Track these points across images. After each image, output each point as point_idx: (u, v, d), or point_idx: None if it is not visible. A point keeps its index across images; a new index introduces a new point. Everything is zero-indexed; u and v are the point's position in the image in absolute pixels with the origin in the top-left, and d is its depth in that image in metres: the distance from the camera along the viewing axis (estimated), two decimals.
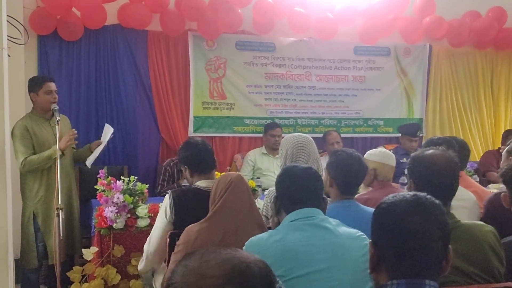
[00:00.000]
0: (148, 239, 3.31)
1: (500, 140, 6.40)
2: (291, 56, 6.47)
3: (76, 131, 4.38)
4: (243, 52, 6.31)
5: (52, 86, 4.43)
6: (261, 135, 6.20)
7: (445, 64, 7.06)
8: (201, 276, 1.10)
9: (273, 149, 5.91)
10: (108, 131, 4.67)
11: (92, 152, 4.66)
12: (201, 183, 3.26)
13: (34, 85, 4.40)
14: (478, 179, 5.20)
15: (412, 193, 1.59)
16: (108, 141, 4.78)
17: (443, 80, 7.07)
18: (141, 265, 3.39)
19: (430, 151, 2.39)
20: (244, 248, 2.29)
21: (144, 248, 3.33)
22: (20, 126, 4.25)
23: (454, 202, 2.35)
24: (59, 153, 4.02)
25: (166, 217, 3.17)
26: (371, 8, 6.22)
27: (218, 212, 2.84)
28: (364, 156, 3.39)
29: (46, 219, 4.33)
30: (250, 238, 2.34)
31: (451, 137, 3.87)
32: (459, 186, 2.35)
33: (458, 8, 6.78)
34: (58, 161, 3.87)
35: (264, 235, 2.35)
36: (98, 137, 4.91)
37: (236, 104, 6.33)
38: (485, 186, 4.75)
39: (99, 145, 4.66)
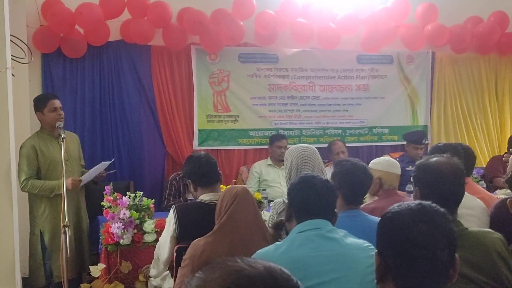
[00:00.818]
0: (157, 246, 3.36)
1: (506, 146, 6.36)
2: (294, 67, 6.48)
3: (80, 182, 4.41)
4: (246, 64, 6.32)
5: (57, 103, 4.45)
6: (266, 146, 6.19)
7: (449, 70, 7.05)
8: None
9: (279, 161, 5.90)
10: (101, 167, 4.65)
11: (93, 181, 4.70)
12: (204, 197, 3.27)
13: (39, 104, 4.43)
14: (485, 185, 5.18)
15: (417, 202, 1.58)
16: (114, 166, 4.76)
17: (447, 87, 7.05)
18: (153, 272, 3.45)
19: (435, 159, 2.38)
20: None
21: (154, 252, 3.39)
22: (28, 146, 4.29)
23: (462, 211, 2.34)
24: (60, 191, 4.05)
25: (171, 231, 3.19)
26: (373, 17, 6.23)
27: (224, 226, 2.83)
28: (369, 165, 3.37)
29: (53, 237, 4.34)
30: (257, 251, 2.34)
31: (456, 144, 3.84)
32: (467, 194, 2.34)
33: (460, 14, 6.77)
34: (64, 179, 3.87)
35: (271, 247, 2.35)
36: (103, 155, 4.93)
37: (241, 117, 6.33)
38: (492, 192, 4.72)
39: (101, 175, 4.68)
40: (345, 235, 2.34)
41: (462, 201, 2.39)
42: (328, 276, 2.19)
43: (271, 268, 1.07)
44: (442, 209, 1.56)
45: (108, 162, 4.69)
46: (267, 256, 2.26)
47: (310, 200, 2.36)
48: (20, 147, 4.27)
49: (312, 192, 2.38)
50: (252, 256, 2.28)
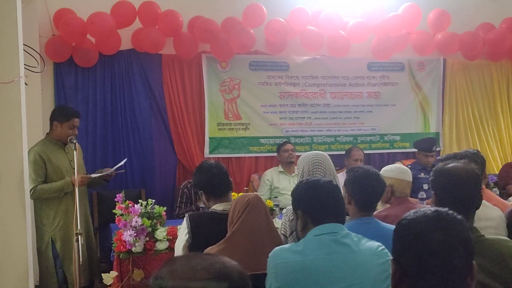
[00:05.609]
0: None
1: None
2: (305, 75, 6.48)
3: (89, 179, 4.42)
4: (257, 72, 6.33)
5: (77, 122, 4.49)
6: (276, 154, 6.20)
7: (460, 77, 7.02)
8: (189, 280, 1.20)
9: (289, 163, 5.96)
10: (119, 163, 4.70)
11: (104, 180, 4.70)
12: (217, 207, 3.25)
13: (61, 116, 4.43)
14: (498, 192, 5.14)
15: (433, 208, 1.56)
16: (125, 167, 4.77)
17: (458, 93, 7.02)
18: None
19: (453, 164, 2.40)
20: (268, 260, 2.34)
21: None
22: (34, 153, 4.29)
23: (482, 223, 2.33)
24: (70, 189, 4.07)
25: (183, 240, 3.18)
26: (384, 24, 6.21)
27: (236, 233, 2.83)
28: (380, 172, 3.36)
29: (65, 245, 4.35)
30: (275, 248, 2.37)
31: (465, 151, 3.75)
32: (485, 203, 2.33)
33: (471, 21, 6.75)
34: (76, 188, 3.89)
35: (288, 245, 2.40)
36: (115, 162, 4.95)
37: (251, 124, 6.34)
38: (505, 199, 4.68)
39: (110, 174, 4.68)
40: (359, 239, 2.35)
41: (482, 211, 2.39)
42: (341, 284, 2.20)
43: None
44: (459, 216, 1.54)
45: (124, 160, 4.75)
46: (282, 254, 2.30)
47: (325, 203, 2.38)
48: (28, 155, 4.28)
49: (325, 194, 2.40)
50: (270, 254, 2.31)
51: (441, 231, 1.49)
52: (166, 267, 1.25)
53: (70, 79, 5.63)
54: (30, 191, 4.20)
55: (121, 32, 5.57)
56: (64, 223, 4.36)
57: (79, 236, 3.65)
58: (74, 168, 4.06)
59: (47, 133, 4.53)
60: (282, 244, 2.84)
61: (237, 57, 6.12)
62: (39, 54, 5.10)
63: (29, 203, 3.60)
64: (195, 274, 1.21)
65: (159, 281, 1.23)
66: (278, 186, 5.91)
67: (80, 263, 3.70)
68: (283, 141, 6.25)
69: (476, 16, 6.81)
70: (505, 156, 7.17)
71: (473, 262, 1.51)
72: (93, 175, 4.54)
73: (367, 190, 2.91)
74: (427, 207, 1.61)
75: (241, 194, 3.23)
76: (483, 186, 3.61)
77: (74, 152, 4.05)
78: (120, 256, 3.90)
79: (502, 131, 7.19)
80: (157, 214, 4.08)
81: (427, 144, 6.05)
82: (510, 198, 5.03)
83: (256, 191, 5.79)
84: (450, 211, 1.55)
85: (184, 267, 1.23)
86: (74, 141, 4.17)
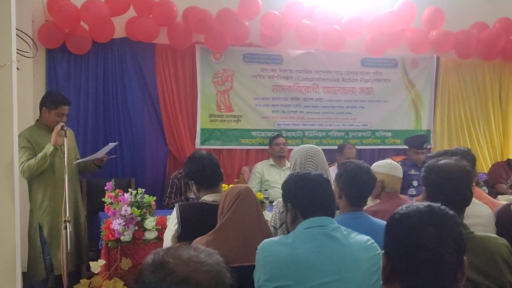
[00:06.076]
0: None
1: (509, 152, 6.35)
2: (298, 68, 6.47)
3: (63, 124, 4.28)
4: (251, 65, 6.32)
5: (66, 110, 4.44)
6: (267, 147, 6.19)
7: (453, 76, 7.04)
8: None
9: (280, 157, 5.96)
10: (107, 148, 4.64)
11: (96, 165, 4.66)
12: (207, 198, 3.23)
13: (50, 103, 4.39)
14: (487, 191, 5.16)
15: (425, 203, 1.56)
16: (116, 154, 4.72)
17: (451, 92, 7.05)
18: None
19: (444, 160, 2.40)
20: (257, 251, 2.33)
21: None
22: (23, 137, 4.26)
23: (472, 220, 2.34)
24: (51, 148, 4.08)
25: (173, 230, 3.17)
26: (379, 20, 6.22)
27: (226, 224, 2.82)
28: (371, 168, 3.36)
29: (52, 231, 4.33)
30: (264, 240, 2.36)
31: (455, 149, 3.77)
32: (475, 200, 2.34)
33: (465, 20, 6.78)
34: (66, 176, 3.86)
35: (278, 238, 2.39)
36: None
37: (244, 117, 6.33)
38: (494, 197, 4.71)
39: (102, 159, 4.65)
40: (349, 233, 2.35)
41: (471, 208, 2.40)
42: (330, 277, 2.20)
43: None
44: (451, 212, 1.54)
45: (113, 144, 4.69)
46: (271, 246, 2.29)
47: (315, 196, 2.38)
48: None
49: (315, 187, 2.40)
50: (259, 246, 2.30)
51: (433, 226, 1.49)
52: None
53: (62, 66, 5.59)
54: (21, 172, 4.18)
55: (115, 20, 5.54)
56: (52, 208, 4.33)
57: (68, 224, 3.63)
58: (64, 154, 4.02)
59: (37, 120, 4.50)
60: (272, 236, 2.84)
61: (231, 48, 6.10)
62: (32, 40, 5.06)
63: (18, 188, 3.57)
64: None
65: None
66: (269, 179, 5.90)
67: (68, 251, 3.68)
68: (276, 134, 6.24)
69: (470, 15, 6.83)
70: (495, 155, 7.22)
71: (464, 258, 1.52)
72: (88, 157, 4.53)
73: (358, 184, 2.91)
74: (419, 203, 1.61)
75: (231, 186, 3.21)
76: (473, 184, 3.63)
77: (65, 139, 4.02)
78: (109, 245, 3.89)
79: (493, 130, 7.23)
80: (147, 203, 4.07)
81: (418, 141, 6.06)
82: (499, 196, 5.06)
83: (246, 184, 5.79)
84: (443, 207, 1.55)
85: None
86: (65, 129, 4.13)
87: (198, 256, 1.22)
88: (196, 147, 6.06)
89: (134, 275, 1.31)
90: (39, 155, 4.20)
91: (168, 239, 3.21)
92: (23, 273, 3.98)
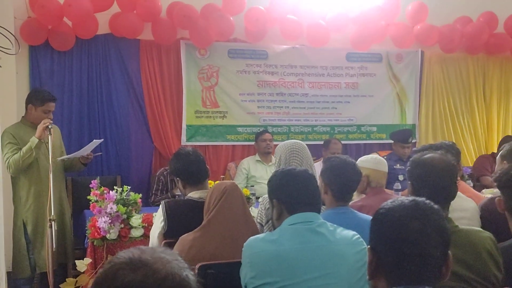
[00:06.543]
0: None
1: (497, 145, 6.39)
2: (283, 64, 6.46)
3: (50, 120, 4.28)
4: (236, 60, 6.30)
5: (52, 107, 4.42)
6: (254, 143, 6.19)
7: (437, 70, 7.08)
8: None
9: (266, 153, 5.96)
10: (92, 145, 4.60)
11: (82, 163, 4.63)
12: (193, 194, 3.23)
13: (36, 100, 4.37)
14: (472, 184, 5.20)
15: (410, 198, 1.57)
16: (101, 151, 4.72)
17: (435, 86, 7.08)
18: None
19: (429, 154, 2.42)
20: (243, 249, 2.32)
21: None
22: (7, 133, 4.23)
23: (456, 213, 2.35)
24: (36, 141, 4.06)
25: (159, 227, 3.16)
26: (363, 15, 6.23)
27: (212, 221, 2.82)
28: (356, 163, 3.38)
29: (36, 229, 4.31)
30: (249, 238, 2.35)
31: (439, 143, 3.80)
32: (460, 194, 2.36)
33: (449, 14, 6.81)
34: (51, 174, 3.83)
35: (263, 235, 2.38)
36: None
37: (229, 113, 6.31)
38: (479, 191, 4.74)
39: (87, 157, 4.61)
40: (334, 229, 2.35)
41: (456, 202, 2.42)
42: (315, 273, 2.20)
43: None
44: (436, 206, 1.55)
45: (99, 141, 4.65)
46: (256, 245, 2.28)
47: (301, 190, 2.38)
48: (1, 135, 4.22)
49: (300, 182, 2.40)
50: (244, 244, 2.30)
51: (418, 220, 1.50)
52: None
53: (45, 63, 5.53)
54: (7, 167, 4.15)
55: (99, 16, 5.48)
56: (36, 206, 4.30)
57: (53, 223, 3.61)
58: (49, 151, 3.99)
59: (22, 116, 4.47)
60: (258, 232, 2.84)
61: (216, 44, 6.08)
62: (14, 36, 4.99)
63: (1, 186, 3.53)
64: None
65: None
66: (255, 175, 5.90)
67: (53, 250, 3.66)
68: (262, 130, 6.24)
69: (454, 9, 6.86)
70: (479, 149, 7.27)
71: (449, 252, 1.53)
72: (73, 154, 4.51)
73: (343, 179, 2.92)
74: (404, 197, 1.62)
75: (217, 182, 3.21)
76: (458, 178, 3.66)
77: (49, 137, 3.98)
78: (94, 243, 3.87)
79: (477, 124, 7.28)
80: (133, 201, 4.05)
81: (403, 135, 6.09)
82: (484, 190, 5.10)
83: (232, 180, 5.78)
84: (427, 201, 1.56)
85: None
86: (50, 127, 4.09)
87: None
88: (182, 144, 6.02)
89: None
90: (24, 149, 4.18)
91: (154, 237, 3.21)
92: (8, 273, 3.95)
